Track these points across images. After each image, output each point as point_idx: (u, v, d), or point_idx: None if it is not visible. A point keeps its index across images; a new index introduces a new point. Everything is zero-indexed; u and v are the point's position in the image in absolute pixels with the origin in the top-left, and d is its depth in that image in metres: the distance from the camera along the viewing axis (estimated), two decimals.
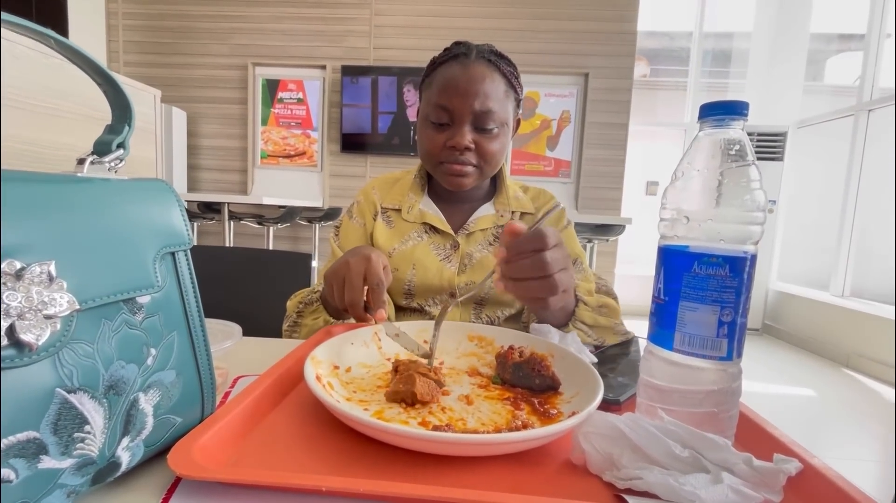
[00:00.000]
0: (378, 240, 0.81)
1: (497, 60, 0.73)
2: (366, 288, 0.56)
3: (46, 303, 0.24)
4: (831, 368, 2.90)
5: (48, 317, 0.24)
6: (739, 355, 0.36)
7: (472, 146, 0.72)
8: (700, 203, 0.35)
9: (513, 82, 0.74)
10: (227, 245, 2.92)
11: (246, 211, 3.42)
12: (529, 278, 0.49)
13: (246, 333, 0.60)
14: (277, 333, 0.75)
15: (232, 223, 3.08)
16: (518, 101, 0.77)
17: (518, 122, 0.81)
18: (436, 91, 0.73)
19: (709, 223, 0.35)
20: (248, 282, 1.07)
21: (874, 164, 3.14)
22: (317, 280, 0.82)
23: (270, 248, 3.43)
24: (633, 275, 3.94)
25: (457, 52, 0.73)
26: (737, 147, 0.35)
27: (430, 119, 0.74)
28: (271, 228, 3.30)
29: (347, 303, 0.56)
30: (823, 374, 2.79)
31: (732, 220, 0.34)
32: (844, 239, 3.29)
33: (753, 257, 0.35)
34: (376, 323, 0.55)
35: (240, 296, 1.06)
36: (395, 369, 0.44)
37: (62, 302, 0.24)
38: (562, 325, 0.64)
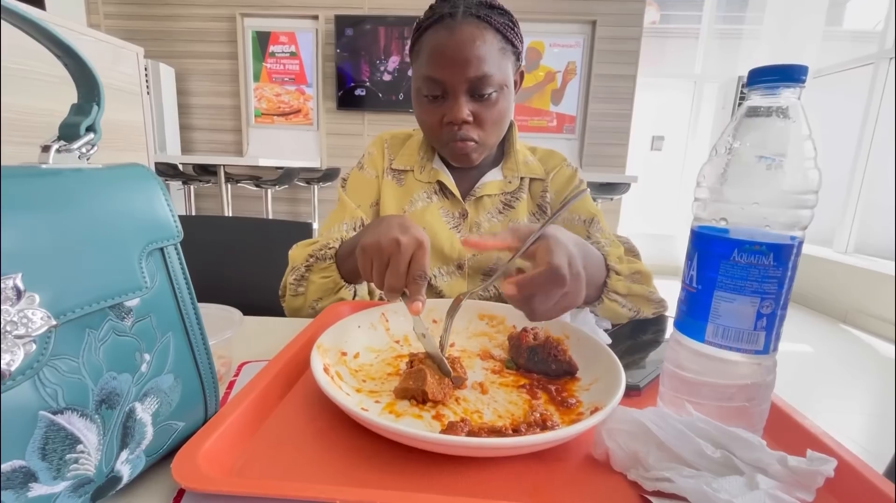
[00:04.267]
0: (385, 196, 0.79)
1: (488, 14, 0.65)
2: None
3: (16, 322, 0.21)
4: (828, 324, 2.93)
5: (19, 338, 0.21)
6: (776, 348, 0.33)
7: (471, 118, 0.67)
8: (744, 183, 0.32)
9: (508, 35, 0.67)
10: (226, 208, 2.87)
11: (242, 173, 3.34)
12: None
13: (247, 304, 0.56)
14: (279, 305, 0.72)
15: (229, 185, 3.02)
16: (518, 55, 0.71)
17: (522, 75, 0.74)
18: (424, 61, 0.66)
19: (753, 206, 0.31)
20: (247, 253, 1.04)
21: (889, 116, 3.02)
22: (320, 233, 0.78)
23: (269, 210, 3.38)
24: (636, 234, 3.91)
25: (442, 13, 0.65)
26: (791, 120, 0.31)
27: (423, 92, 0.68)
28: (269, 191, 3.23)
29: (386, 289, 0.46)
30: (820, 330, 2.82)
31: (780, 204, 0.31)
32: (852, 195, 3.23)
33: (800, 243, 0.31)
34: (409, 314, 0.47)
35: (240, 267, 1.04)
36: (411, 363, 0.41)
37: (35, 319, 0.21)
38: (594, 299, 0.61)
